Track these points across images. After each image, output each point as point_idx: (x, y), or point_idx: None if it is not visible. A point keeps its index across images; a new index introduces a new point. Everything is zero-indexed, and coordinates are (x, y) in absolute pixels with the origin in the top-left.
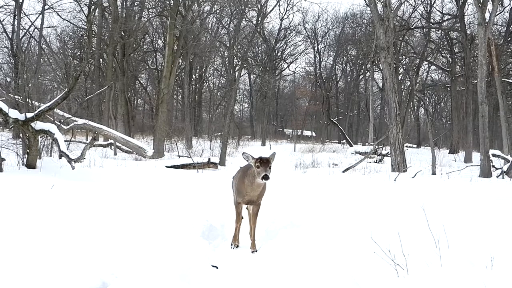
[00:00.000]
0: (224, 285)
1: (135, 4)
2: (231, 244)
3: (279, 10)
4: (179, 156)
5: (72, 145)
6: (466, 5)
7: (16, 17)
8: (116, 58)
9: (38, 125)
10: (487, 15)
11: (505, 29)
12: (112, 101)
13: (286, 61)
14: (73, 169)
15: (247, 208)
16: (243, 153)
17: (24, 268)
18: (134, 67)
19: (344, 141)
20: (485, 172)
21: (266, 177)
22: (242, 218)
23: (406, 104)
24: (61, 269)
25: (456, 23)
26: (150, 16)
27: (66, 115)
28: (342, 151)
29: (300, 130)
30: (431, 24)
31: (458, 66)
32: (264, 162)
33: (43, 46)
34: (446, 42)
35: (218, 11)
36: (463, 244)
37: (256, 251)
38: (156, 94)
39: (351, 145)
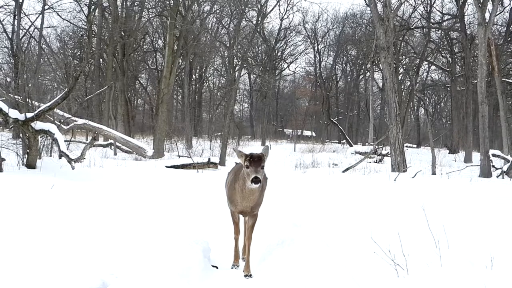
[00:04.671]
0: (224, 285)
1: (135, 4)
2: (232, 265)
3: (279, 10)
4: (179, 156)
5: (72, 145)
6: (466, 5)
7: (16, 17)
8: (116, 58)
9: (38, 125)
10: (487, 15)
11: (505, 29)
12: (112, 101)
13: (286, 61)
14: (73, 169)
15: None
16: (234, 149)
17: (24, 268)
18: (134, 67)
19: (344, 141)
20: (485, 172)
21: (256, 180)
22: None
23: (406, 104)
24: (61, 269)
25: (456, 23)
26: (150, 16)
27: (66, 115)
28: (342, 151)
29: (300, 130)
30: (431, 24)
31: (458, 66)
32: (255, 161)
33: (43, 46)
34: (446, 42)
35: (218, 11)
36: (463, 244)
37: (251, 275)
38: (156, 94)
39: (351, 145)
